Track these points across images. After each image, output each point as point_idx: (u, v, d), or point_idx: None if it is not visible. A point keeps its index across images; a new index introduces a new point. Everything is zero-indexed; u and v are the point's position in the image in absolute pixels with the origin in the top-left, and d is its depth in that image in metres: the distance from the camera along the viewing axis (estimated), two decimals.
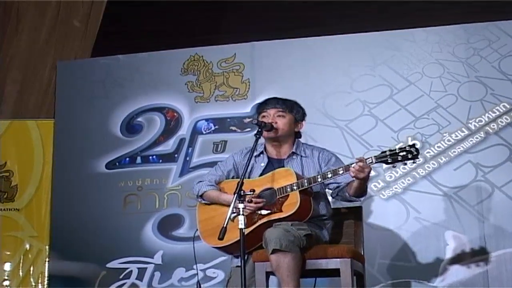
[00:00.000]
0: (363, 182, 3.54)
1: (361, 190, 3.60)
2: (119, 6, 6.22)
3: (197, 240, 3.79)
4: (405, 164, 3.44)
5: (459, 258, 4.61)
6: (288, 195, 3.55)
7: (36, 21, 6.20)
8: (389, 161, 3.43)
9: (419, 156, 3.41)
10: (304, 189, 3.54)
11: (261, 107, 3.84)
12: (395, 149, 3.44)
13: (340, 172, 3.50)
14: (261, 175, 3.73)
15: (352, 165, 3.45)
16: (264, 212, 3.56)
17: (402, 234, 4.73)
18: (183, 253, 4.95)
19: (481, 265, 4.56)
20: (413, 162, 3.46)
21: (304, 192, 3.55)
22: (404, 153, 3.41)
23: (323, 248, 3.54)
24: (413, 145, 3.42)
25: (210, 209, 3.76)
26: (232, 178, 3.82)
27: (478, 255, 4.59)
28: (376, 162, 3.46)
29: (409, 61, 5.04)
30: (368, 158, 3.47)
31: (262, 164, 3.78)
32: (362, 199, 3.73)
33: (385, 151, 3.45)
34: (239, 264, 3.33)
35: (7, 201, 5.48)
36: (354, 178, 3.50)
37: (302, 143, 3.86)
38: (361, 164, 3.43)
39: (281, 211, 3.55)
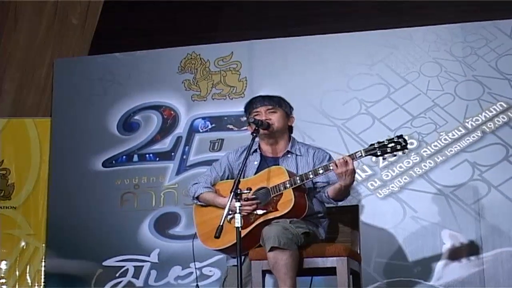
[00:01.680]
0: (345, 187, 3.51)
1: (341, 195, 3.60)
2: (116, 3, 6.20)
3: (194, 238, 3.79)
4: (395, 155, 3.46)
5: (456, 257, 4.60)
6: (282, 193, 3.54)
7: (33, 19, 6.18)
8: (378, 153, 3.45)
9: (408, 147, 3.43)
10: (297, 186, 3.53)
11: (250, 107, 3.82)
12: (383, 141, 3.45)
13: (331, 168, 3.49)
14: (255, 173, 3.72)
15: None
16: (260, 212, 3.55)
17: (399, 233, 4.72)
18: (179, 251, 4.95)
19: (477, 264, 4.56)
20: (403, 153, 3.47)
21: (298, 189, 3.54)
22: (393, 144, 3.43)
23: (319, 246, 3.54)
24: (401, 136, 3.44)
25: (207, 211, 3.75)
26: (227, 178, 3.81)
27: (474, 254, 4.58)
28: (366, 155, 3.48)
29: (406, 60, 5.03)
30: (358, 151, 3.48)
31: (256, 163, 3.76)
32: (339, 203, 3.73)
33: (374, 144, 3.47)
34: (236, 264, 3.33)
35: (4, 199, 5.47)
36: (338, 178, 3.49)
37: (298, 142, 3.85)
38: (346, 157, 3.44)
39: (276, 209, 3.54)
